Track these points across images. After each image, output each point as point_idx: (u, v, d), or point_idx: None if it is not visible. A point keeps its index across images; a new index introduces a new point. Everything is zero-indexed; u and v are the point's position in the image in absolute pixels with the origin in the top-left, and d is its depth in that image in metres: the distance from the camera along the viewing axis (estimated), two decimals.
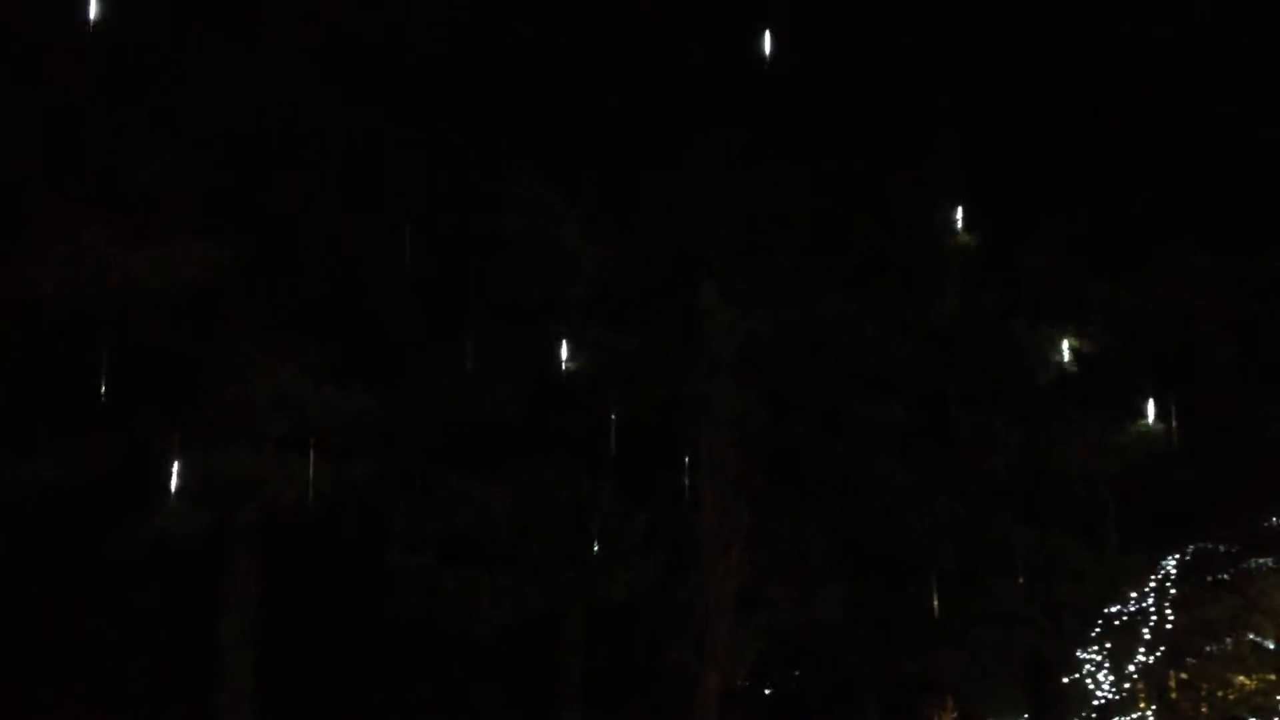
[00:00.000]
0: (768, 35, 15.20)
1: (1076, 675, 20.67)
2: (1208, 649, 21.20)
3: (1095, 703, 20.83)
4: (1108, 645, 20.73)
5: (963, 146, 16.13)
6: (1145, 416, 17.05)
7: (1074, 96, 16.26)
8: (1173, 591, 20.83)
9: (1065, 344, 16.88)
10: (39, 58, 13.62)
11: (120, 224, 14.02)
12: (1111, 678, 20.81)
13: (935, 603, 17.63)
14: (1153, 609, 20.79)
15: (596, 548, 16.77)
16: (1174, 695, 21.14)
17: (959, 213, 16.46)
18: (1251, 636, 20.24)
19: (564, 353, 16.26)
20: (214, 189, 15.07)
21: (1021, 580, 17.52)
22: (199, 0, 14.59)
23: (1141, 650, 20.87)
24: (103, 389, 14.99)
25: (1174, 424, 16.95)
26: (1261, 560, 20.29)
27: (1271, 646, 19.88)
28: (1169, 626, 20.78)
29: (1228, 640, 21.12)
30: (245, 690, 16.39)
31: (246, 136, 14.95)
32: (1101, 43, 16.46)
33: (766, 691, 20.85)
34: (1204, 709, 20.84)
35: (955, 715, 8.00)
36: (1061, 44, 16.28)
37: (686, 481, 16.89)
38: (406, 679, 19.69)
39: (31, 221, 13.79)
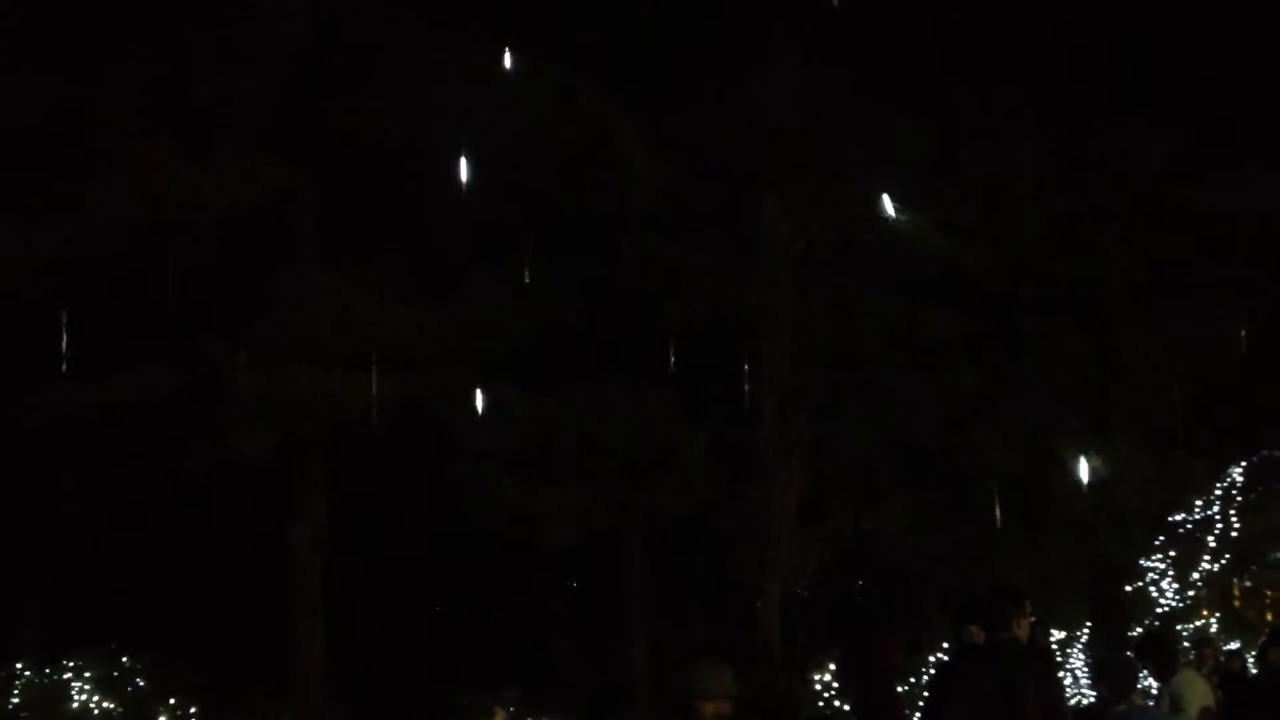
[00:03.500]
0: None
1: (1140, 583, 20.64)
2: (1273, 556, 21.09)
3: (1159, 610, 20.81)
4: (1172, 553, 20.67)
5: (1030, 51, 15.75)
6: (1215, 321, 16.79)
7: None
8: (1239, 499, 20.69)
9: (1135, 248, 16.62)
10: None
11: (186, 143, 14.05)
12: (1175, 585, 20.77)
13: (1000, 511, 17.56)
14: (1218, 516, 20.67)
15: (658, 460, 16.81)
16: (1238, 603, 21.08)
17: (1026, 118, 16.15)
18: None
19: (624, 266, 16.20)
20: (276, 108, 15.07)
21: (1087, 488, 17.38)
22: None
23: (1206, 558, 20.79)
24: (170, 308, 15.12)
25: (1243, 328, 16.68)
26: None
27: None
28: (1234, 534, 20.66)
29: None
30: (315, 599, 16.67)
31: (307, 55, 14.90)
32: None
33: (829, 601, 20.95)
34: (1268, 616, 20.77)
35: (1033, 619, 7.94)
36: None
37: (748, 393, 16.83)
38: (472, 591, 19.95)
39: (99, 140, 13.83)
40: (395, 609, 19.40)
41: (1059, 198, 16.53)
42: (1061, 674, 7.95)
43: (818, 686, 19.52)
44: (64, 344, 14.58)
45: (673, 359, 16.66)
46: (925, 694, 12.14)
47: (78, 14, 13.58)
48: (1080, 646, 20.09)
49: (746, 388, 16.90)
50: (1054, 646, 17.43)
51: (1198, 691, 9.30)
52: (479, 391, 16.32)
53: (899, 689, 11.42)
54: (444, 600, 20.35)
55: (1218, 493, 20.38)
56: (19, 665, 17.14)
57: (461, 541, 17.81)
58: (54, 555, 17.68)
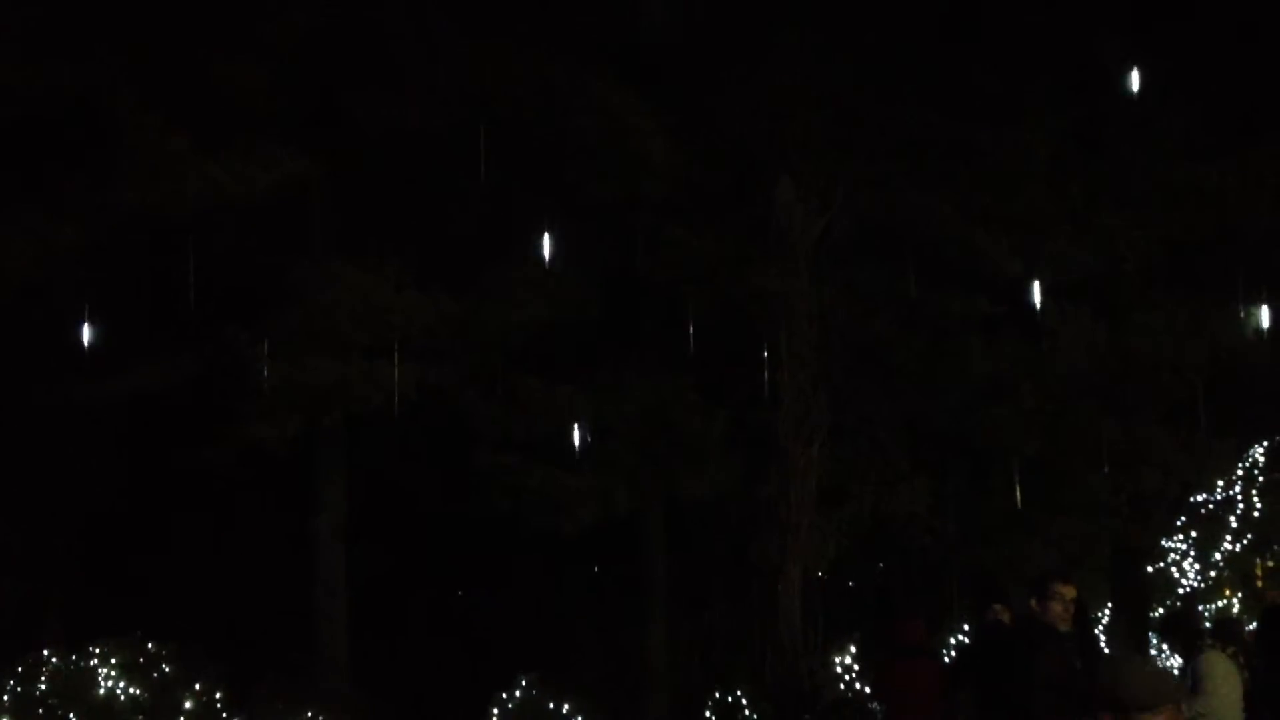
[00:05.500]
0: None
1: (1162, 564, 20.63)
2: None
3: (1180, 591, 20.79)
4: (1194, 534, 20.64)
5: (1046, 32, 15.67)
6: (1234, 302, 16.73)
7: None
8: (1260, 479, 20.64)
9: (1151, 229, 16.54)
10: None
11: (203, 134, 14.13)
12: (1197, 566, 20.74)
13: (1019, 493, 17.57)
14: (1240, 497, 20.63)
15: (677, 445, 16.85)
16: (1260, 583, 21.03)
17: (1041, 99, 16.08)
18: None
19: (640, 252, 16.22)
20: (292, 97, 15.14)
21: (1107, 469, 17.37)
22: None
23: (1228, 538, 20.75)
24: (190, 298, 15.23)
25: (1264, 308, 16.60)
26: None
27: None
28: (1256, 514, 20.62)
29: None
30: (337, 586, 16.81)
31: (323, 44, 14.95)
32: None
33: (850, 584, 21.01)
34: None
35: (1042, 598, 8.02)
36: None
37: (766, 378, 16.86)
38: (493, 577, 20.07)
39: (117, 132, 13.92)
40: (416, 594, 19.53)
41: (1074, 179, 16.46)
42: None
43: (839, 670, 19.59)
44: (84, 335, 14.69)
45: (691, 344, 16.69)
46: (950, 670, 12.25)
47: (93, 5, 13.66)
48: (1102, 628, 20.10)
49: (766, 373, 16.93)
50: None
51: (1221, 672, 9.29)
52: (498, 379, 16.39)
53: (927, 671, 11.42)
54: (464, 585, 20.48)
55: (1239, 473, 20.33)
56: (45, 652, 17.34)
57: (482, 527, 17.91)
58: (76, 543, 17.87)
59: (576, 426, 16.63)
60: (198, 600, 17.91)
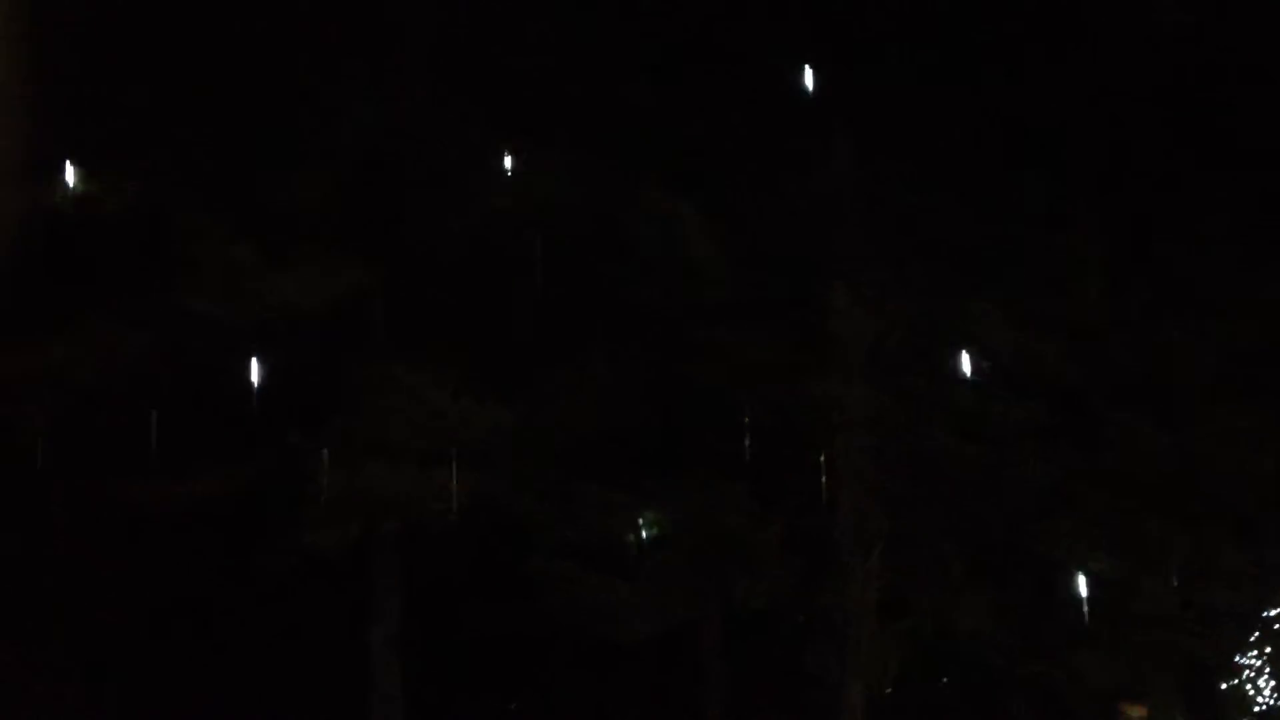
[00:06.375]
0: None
1: (1236, 681, 20.01)
2: None
3: (1256, 709, 20.14)
4: (1268, 650, 20.04)
5: (1101, 139, 15.74)
6: None
7: (1218, 84, 15.77)
8: None
9: (1209, 338, 16.36)
10: (182, 87, 14.21)
11: (267, 244, 14.49)
12: (1273, 683, 20.11)
13: (1085, 607, 17.17)
14: None
15: (732, 553, 16.71)
16: None
17: (1094, 205, 16.10)
18: None
19: (694, 358, 16.27)
20: (351, 206, 15.50)
21: (1175, 583, 16.97)
22: (333, 26, 15.09)
23: None
24: (250, 407, 15.45)
25: None
26: None
27: None
28: None
29: None
30: (394, 696, 16.71)
31: (380, 154, 15.36)
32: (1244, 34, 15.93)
33: (912, 700, 20.54)
34: None
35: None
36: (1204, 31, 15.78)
37: (823, 486, 16.73)
38: (549, 686, 19.86)
39: (182, 241, 14.32)
40: (473, 703, 19.35)
41: (1133, 287, 16.36)
42: None
43: None
44: (146, 440, 14.95)
45: (745, 451, 16.63)
46: None
47: (156, 119, 14.16)
48: None
49: (822, 480, 16.80)
50: None
51: None
52: (552, 486, 16.40)
53: None
54: (520, 693, 20.28)
55: None
56: None
57: (538, 633, 17.78)
58: (128, 651, 17.90)
59: (631, 534, 16.59)
60: (251, 709, 17.85)
